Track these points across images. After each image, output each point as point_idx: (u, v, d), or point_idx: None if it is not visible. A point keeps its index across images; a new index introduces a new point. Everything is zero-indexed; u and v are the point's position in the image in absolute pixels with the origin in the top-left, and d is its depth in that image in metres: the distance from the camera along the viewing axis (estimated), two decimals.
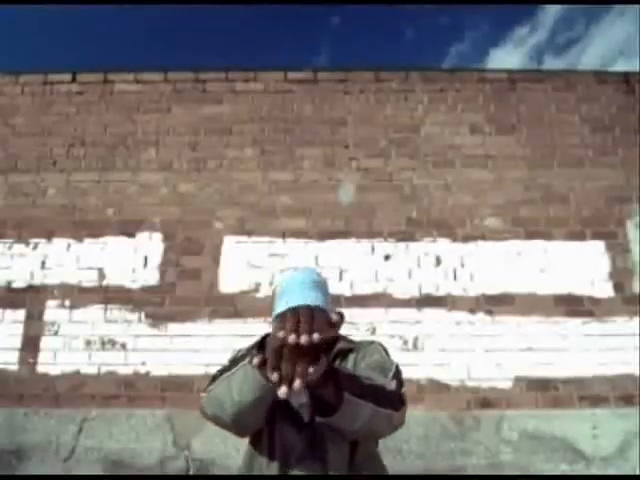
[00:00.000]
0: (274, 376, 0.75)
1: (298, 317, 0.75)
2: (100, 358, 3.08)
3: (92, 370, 3.06)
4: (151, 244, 3.28)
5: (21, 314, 3.17)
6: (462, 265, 3.23)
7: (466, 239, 3.28)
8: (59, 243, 3.30)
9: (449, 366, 3.05)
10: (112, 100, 3.57)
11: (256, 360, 0.85)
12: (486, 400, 2.99)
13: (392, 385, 1.00)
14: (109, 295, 3.19)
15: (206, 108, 3.54)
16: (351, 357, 1.14)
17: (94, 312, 3.16)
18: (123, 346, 3.10)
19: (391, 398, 0.96)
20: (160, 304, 3.16)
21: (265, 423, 1.03)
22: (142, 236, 3.30)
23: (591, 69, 3.81)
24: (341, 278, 3.20)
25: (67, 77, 3.62)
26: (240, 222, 3.32)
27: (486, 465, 2.82)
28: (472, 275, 3.21)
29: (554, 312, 3.13)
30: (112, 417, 2.94)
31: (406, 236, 3.28)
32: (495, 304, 3.15)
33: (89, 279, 3.23)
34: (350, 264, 3.23)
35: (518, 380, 3.02)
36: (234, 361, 1.01)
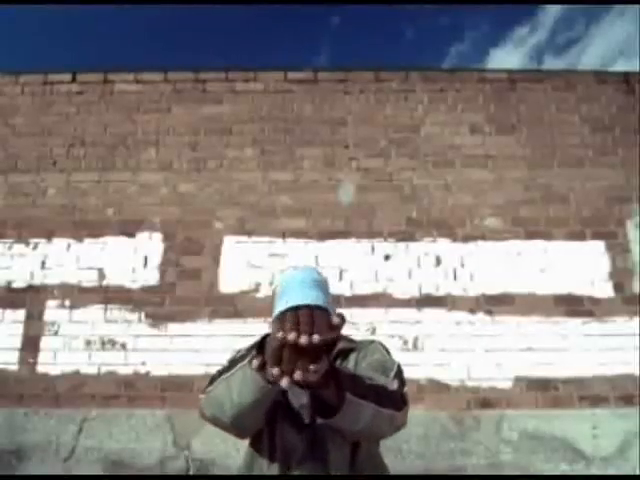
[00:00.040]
0: (275, 370, 0.74)
1: (298, 317, 0.74)
2: (100, 358, 3.08)
3: (92, 370, 3.06)
4: (151, 244, 3.28)
5: (21, 314, 3.17)
6: (462, 265, 3.23)
7: (466, 239, 3.28)
8: (59, 243, 3.30)
9: (449, 366, 3.05)
10: (112, 100, 3.57)
11: (255, 362, 0.84)
12: (486, 400, 2.99)
13: (394, 385, 0.99)
14: (109, 295, 3.19)
15: (206, 108, 3.54)
16: (352, 357, 1.13)
17: (94, 312, 3.16)
18: (123, 346, 3.10)
19: (393, 398, 0.95)
20: (160, 304, 3.16)
21: (265, 424, 1.02)
22: (142, 236, 3.30)
23: (591, 69, 3.81)
24: (341, 278, 3.20)
25: (67, 77, 3.62)
26: (240, 222, 3.32)
27: (486, 465, 2.82)
28: (472, 275, 3.21)
29: (554, 312, 3.13)
30: (112, 417, 2.94)
31: (406, 236, 3.28)
32: (495, 304, 3.15)
33: (89, 279, 3.23)
34: (350, 264, 3.23)
35: (518, 380, 3.02)
36: (233, 362, 1.00)
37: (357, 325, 3.07)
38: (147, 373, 3.05)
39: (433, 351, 3.07)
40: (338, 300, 3.07)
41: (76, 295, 3.19)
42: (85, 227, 3.32)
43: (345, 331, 1.15)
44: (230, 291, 3.19)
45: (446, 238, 3.28)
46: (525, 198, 3.35)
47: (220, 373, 1.02)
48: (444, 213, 3.33)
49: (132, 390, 3.02)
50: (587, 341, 3.08)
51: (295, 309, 0.92)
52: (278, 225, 3.30)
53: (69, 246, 3.29)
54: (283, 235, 3.29)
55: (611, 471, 2.79)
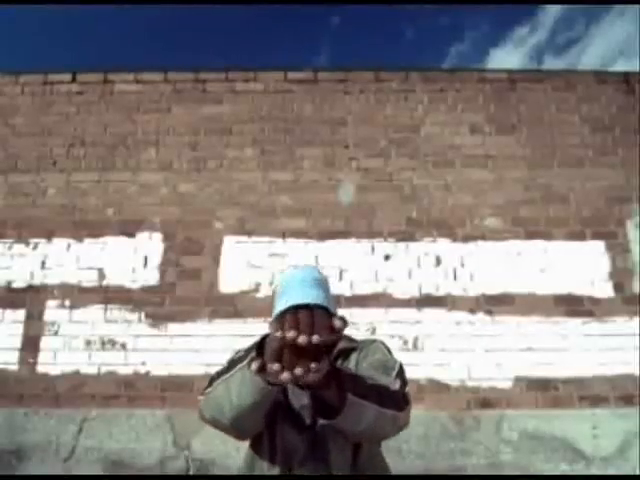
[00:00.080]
0: (275, 365, 0.73)
1: (298, 317, 0.74)
2: (100, 358, 3.08)
3: (92, 370, 3.06)
4: (151, 244, 3.28)
5: (21, 314, 3.17)
6: (462, 265, 3.23)
7: (466, 239, 3.28)
8: (59, 243, 3.30)
9: (449, 366, 3.05)
10: (112, 100, 3.57)
11: (255, 365, 0.83)
12: (486, 400, 2.99)
13: (396, 385, 0.98)
14: (109, 295, 3.19)
15: (206, 108, 3.54)
16: (353, 356, 1.12)
17: (94, 312, 3.16)
18: (123, 346, 3.10)
19: (395, 398, 0.94)
20: (160, 304, 3.16)
21: (266, 426, 1.01)
22: (142, 236, 3.30)
23: (591, 69, 3.81)
24: (341, 278, 3.20)
25: (67, 77, 3.62)
26: (240, 222, 3.32)
27: (486, 465, 2.82)
28: (472, 275, 3.21)
29: (554, 312, 3.13)
30: (112, 417, 2.94)
31: (406, 236, 3.28)
32: (495, 304, 3.15)
33: (89, 279, 3.23)
34: (350, 264, 3.23)
35: (518, 380, 3.02)
36: (232, 363, 0.99)
37: (357, 325, 3.07)
38: (147, 373, 3.05)
39: (433, 351, 3.07)
40: (338, 300, 3.07)
41: (76, 295, 3.19)
42: (85, 227, 3.32)
43: (345, 331, 1.15)
44: (230, 291, 3.19)
45: (446, 238, 3.28)
46: (525, 198, 3.35)
47: (219, 374, 1.00)
48: (444, 213, 3.33)
49: (132, 390, 3.02)
50: (587, 341, 3.08)
51: (295, 309, 0.91)
52: (278, 225, 3.30)
53: (69, 246, 3.29)
54: (283, 235, 3.29)
55: (611, 471, 2.79)
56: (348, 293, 3.17)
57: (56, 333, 3.13)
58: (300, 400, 1.02)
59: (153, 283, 3.21)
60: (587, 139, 3.47)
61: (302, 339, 0.69)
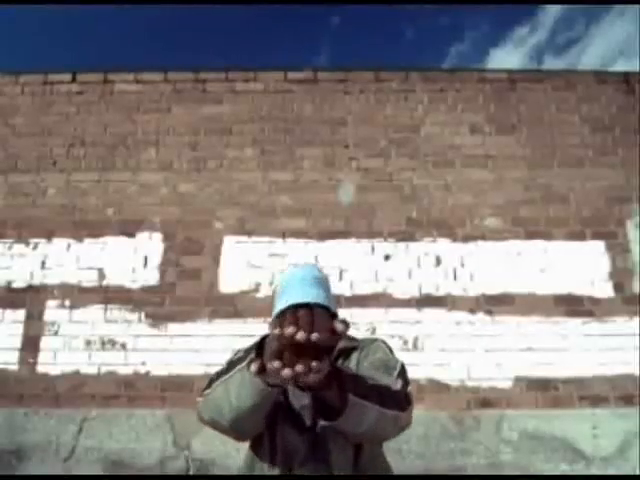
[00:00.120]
0: (276, 362, 0.72)
1: (297, 315, 0.73)
2: (100, 358, 3.08)
3: (92, 370, 3.06)
4: (151, 244, 3.28)
5: (21, 314, 3.17)
6: (462, 265, 3.23)
7: (466, 239, 3.28)
8: (59, 243, 3.30)
9: (449, 366, 3.05)
10: (112, 100, 3.57)
11: (254, 367, 0.82)
12: (486, 400, 2.99)
13: (397, 385, 0.96)
14: (109, 295, 3.19)
15: (206, 108, 3.54)
16: (354, 356, 1.10)
17: (94, 312, 3.16)
18: (123, 346, 3.10)
19: (397, 398, 0.93)
20: (160, 304, 3.16)
21: (266, 426, 1.00)
22: (142, 236, 3.30)
23: (591, 69, 3.81)
24: (341, 278, 3.20)
25: (67, 77, 3.62)
26: (240, 222, 3.32)
27: (486, 465, 2.82)
28: (472, 275, 3.21)
29: (554, 312, 3.13)
30: (112, 417, 2.94)
31: (406, 236, 3.28)
32: (495, 304, 3.15)
33: (89, 279, 3.23)
34: (350, 264, 3.23)
35: (518, 380, 3.02)
36: (231, 363, 0.98)
37: (357, 325, 3.07)
38: (147, 373, 3.05)
39: (433, 351, 3.07)
40: (338, 300, 3.07)
41: (76, 295, 3.19)
42: (85, 227, 3.32)
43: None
44: (230, 291, 3.19)
45: (446, 238, 3.28)
46: (525, 198, 3.35)
47: (218, 375, 0.99)
48: (444, 213, 3.33)
49: (132, 390, 3.02)
50: (587, 341, 3.08)
51: (295, 308, 0.91)
52: (278, 225, 3.30)
53: (69, 246, 3.29)
54: (283, 235, 3.29)
55: (611, 471, 2.79)
56: (348, 293, 3.17)
57: (56, 333, 3.13)
58: (300, 400, 1.01)
59: (153, 283, 3.21)
60: (587, 139, 3.47)
61: (301, 335, 0.69)
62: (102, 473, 2.82)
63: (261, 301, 3.14)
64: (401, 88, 3.57)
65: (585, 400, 2.98)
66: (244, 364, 0.88)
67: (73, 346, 3.10)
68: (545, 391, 3.00)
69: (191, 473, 2.82)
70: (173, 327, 3.12)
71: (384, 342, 1.16)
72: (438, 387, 3.01)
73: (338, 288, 3.13)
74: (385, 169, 3.41)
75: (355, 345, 1.14)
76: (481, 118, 3.52)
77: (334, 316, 1.11)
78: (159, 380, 3.03)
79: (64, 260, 3.26)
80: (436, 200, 3.35)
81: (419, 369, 3.01)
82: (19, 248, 3.30)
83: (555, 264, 3.22)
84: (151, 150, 3.47)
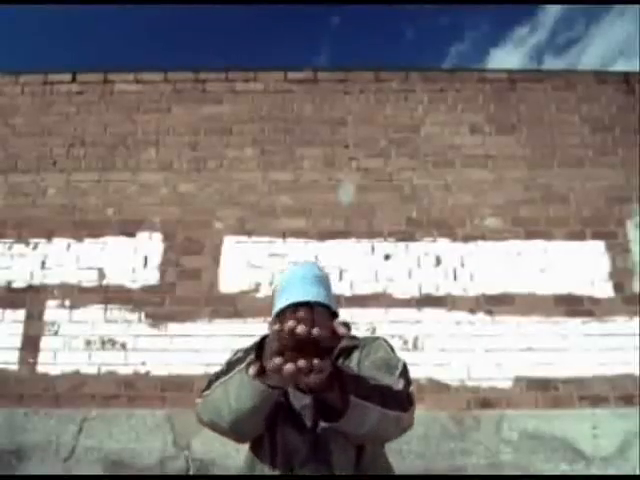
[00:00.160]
0: (277, 359, 0.70)
1: (298, 314, 0.73)
2: (100, 358, 3.08)
3: (92, 370, 3.06)
4: (151, 244, 3.28)
5: (21, 314, 3.17)
6: (462, 265, 3.23)
7: (466, 239, 3.28)
8: (59, 243, 3.30)
9: (449, 366, 3.05)
10: (112, 100, 3.57)
11: (252, 370, 0.81)
12: (486, 400, 2.99)
13: (399, 384, 0.95)
14: (109, 295, 3.19)
15: (206, 108, 3.54)
16: (355, 355, 1.09)
17: (94, 312, 3.16)
18: (123, 346, 3.10)
19: (399, 398, 0.92)
20: (160, 304, 3.16)
21: (266, 427, 0.98)
22: (142, 236, 3.30)
23: (591, 69, 3.81)
24: (341, 278, 3.20)
25: (67, 77, 3.62)
26: (240, 222, 3.32)
27: (486, 465, 2.82)
28: (472, 275, 3.21)
29: (554, 312, 3.13)
30: (112, 417, 2.94)
31: (406, 236, 3.28)
32: (495, 304, 3.15)
33: (89, 279, 3.22)
34: (350, 264, 3.23)
35: (518, 380, 3.02)
36: (231, 364, 0.96)
37: (357, 325, 3.06)
38: (147, 373, 3.05)
39: (433, 351, 3.07)
40: (338, 300, 3.07)
41: (76, 295, 3.19)
42: (85, 227, 3.32)
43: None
44: (230, 291, 3.19)
45: (446, 238, 3.28)
46: (525, 198, 3.35)
47: (217, 376, 0.98)
48: (444, 213, 3.33)
49: (132, 390, 3.02)
50: (587, 341, 3.08)
51: (295, 306, 0.90)
52: (278, 225, 3.30)
53: (69, 246, 3.29)
54: (283, 235, 3.29)
55: (611, 471, 2.79)
56: (348, 293, 3.17)
57: (56, 333, 3.12)
58: (301, 400, 1.00)
59: (153, 283, 3.21)
60: (587, 139, 3.47)
61: (301, 328, 0.68)
62: (102, 473, 2.82)
63: (261, 301, 3.14)
64: (401, 88, 3.57)
65: (585, 400, 2.98)
66: (243, 365, 0.87)
67: (73, 346, 3.10)
68: (545, 391, 3.00)
69: (191, 473, 2.82)
70: (173, 327, 3.12)
71: (385, 340, 1.14)
72: (438, 387, 3.00)
73: (338, 288, 3.13)
74: (385, 169, 3.41)
75: (356, 344, 1.12)
76: (481, 118, 3.52)
77: (335, 315, 1.11)
78: (159, 380, 3.03)
79: (64, 260, 3.26)
80: (436, 200, 3.35)
81: (419, 369, 3.01)
82: (19, 248, 3.30)
83: (555, 264, 3.22)
84: (151, 150, 3.47)
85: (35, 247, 3.29)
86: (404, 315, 3.13)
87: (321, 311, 1.03)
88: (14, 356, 3.09)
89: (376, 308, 3.14)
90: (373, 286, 3.19)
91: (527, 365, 3.04)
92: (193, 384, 2.97)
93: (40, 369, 3.07)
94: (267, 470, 0.98)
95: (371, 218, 3.31)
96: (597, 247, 3.25)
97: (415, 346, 3.07)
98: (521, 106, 3.54)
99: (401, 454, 2.77)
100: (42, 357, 3.09)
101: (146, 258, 3.25)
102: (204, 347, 3.06)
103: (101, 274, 3.23)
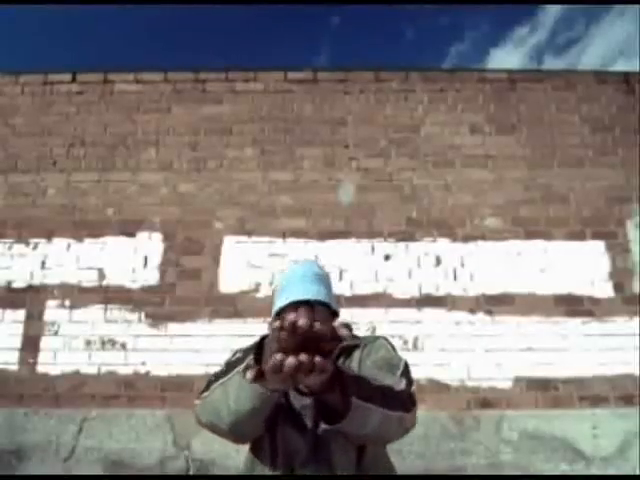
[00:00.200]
0: (278, 355, 0.69)
1: (298, 312, 0.72)
2: (100, 358, 3.08)
3: (92, 370, 3.06)
4: (151, 244, 3.28)
5: (21, 314, 3.17)
6: (462, 265, 3.23)
7: (466, 239, 3.28)
8: (59, 243, 3.30)
9: (449, 366, 3.05)
10: (112, 100, 3.57)
11: (250, 374, 0.80)
12: (486, 400, 2.99)
13: (401, 384, 0.94)
14: (109, 295, 3.19)
15: (206, 108, 3.54)
16: (356, 354, 1.07)
17: (94, 312, 3.16)
18: (123, 346, 3.10)
19: (401, 399, 0.90)
20: (160, 304, 3.16)
21: (266, 428, 0.97)
22: (142, 236, 3.30)
23: (591, 69, 3.81)
24: (341, 278, 3.20)
25: (67, 77, 3.62)
26: (240, 222, 3.32)
27: (486, 465, 2.82)
28: (472, 275, 3.21)
29: (554, 312, 3.13)
30: (112, 417, 2.94)
31: (406, 236, 3.28)
32: (495, 304, 3.15)
33: (89, 279, 3.23)
34: (350, 264, 3.23)
35: (518, 380, 3.02)
36: (230, 364, 0.95)
37: (357, 325, 3.06)
38: (147, 373, 3.05)
39: (433, 351, 3.07)
40: (338, 300, 3.06)
41: (76, 295, 3.19)
42: (85, 227, 3.32)
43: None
44: (230, 291, 3.19)
45: (446, 238, 3.28)
46: (525, 198, 3.35)
47: (216, 377, 0.97)
48: (444, 213, 3.33)
49: (132, 390, 3.02)
50: (587, 341, 3.08)
51: (295, 305, 0.90)
52: (278, 225, 3.30)
53: (69, 246, 3.29)
54: (283, 235, 3.29)
55: (611, 471, 2.79)
56: (348, 293, 3.17)
57: (56, 333, 3.13)
58: (301, 401, 0.99)
59: (153, 283, 3.21)
60: (587, 139, 3.47)
61: (302, 321, 0.66)
62: (102, 473, 2.82)
63: (261, 301, 3.14)
64: (401, 88, 3.57)
65: (585, 400, 2.98)
66: (242, 367, 0.86)
67: (73, 346, 3.10)
68: (545, 391, 3.00)
69: (191, 473, 2.82)
70: (173, 327, 3.12)
71: (387, 340, 1.13)
72: (438, 387, 3.01)
73: (338, 288, 3.13)
74: (385, 169, 3.41)
75: (357, 343, 1.10)
76: (481, 118, 3.52)
77: (335, 313, 1.10)
78: (159, 380, 3.03)
79: (64, 260, 3.26)
80: (436, 200, 3.35)
81: (419, 369, 3.01)
82: (19, 248, 3.30)
83: (555, 264, 3.22)
84: (151, 150, 3.47)
85: (35, 247, 3.29)
86: (404, 315, 3.13)
87: (321, 310, 1.03)
88: (14, 356, 3.09)
89: (376, 308, 3.14)
90: (373, 286, 3.19)
91: (527, 365, 3.04)
92: (193, 384, 2.97)
93: (40, 369, 3.07)
94: (268, 471, 0.97)
95: (371, 218, 3.31)
96: (597, 247, 3.25)
97: (415, 346, 3.07)
98: (521, 106, 3.54)
99: (401, 454, 2.77)
100: (42, 357, 3.09)
101: (146, 258, 3.25)
102: (204, 347, 3.06)
103: (101, 274, 3.23)
